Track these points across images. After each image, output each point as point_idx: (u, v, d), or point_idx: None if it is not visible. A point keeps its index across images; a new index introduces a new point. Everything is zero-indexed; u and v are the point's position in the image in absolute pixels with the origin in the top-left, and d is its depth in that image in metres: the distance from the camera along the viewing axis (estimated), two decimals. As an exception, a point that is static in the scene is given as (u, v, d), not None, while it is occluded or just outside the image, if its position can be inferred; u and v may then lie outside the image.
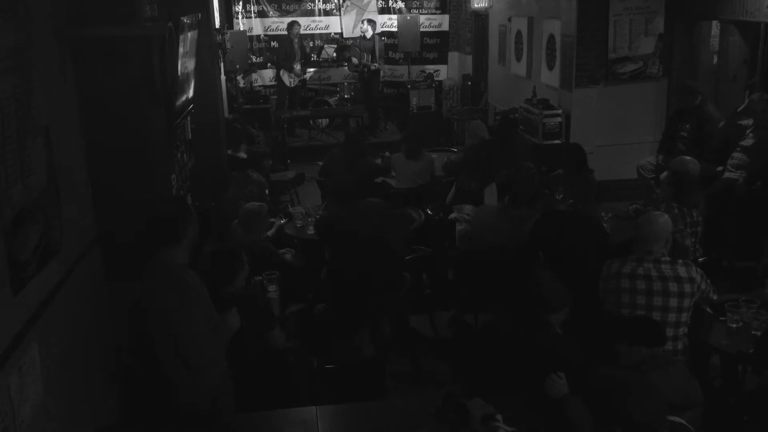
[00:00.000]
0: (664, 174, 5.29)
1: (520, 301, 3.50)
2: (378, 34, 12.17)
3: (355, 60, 11.74)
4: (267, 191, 6.66)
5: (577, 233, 4.56)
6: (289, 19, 12.10)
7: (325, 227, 5.14)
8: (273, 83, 12.40)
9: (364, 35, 11.73)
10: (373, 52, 11.69)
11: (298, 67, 11.71)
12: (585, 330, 3.76)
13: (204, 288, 3.22)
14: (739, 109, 6.55)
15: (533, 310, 3.40)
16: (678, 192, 4.96)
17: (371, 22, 11.93)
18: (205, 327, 3.16)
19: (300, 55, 11.78)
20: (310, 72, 12.37)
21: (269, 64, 12.50)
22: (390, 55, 12.84)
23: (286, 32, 11.86)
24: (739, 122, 6.40)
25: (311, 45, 12.69)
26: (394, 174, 7.11)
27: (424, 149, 7.25)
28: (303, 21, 12.28)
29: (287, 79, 11.65)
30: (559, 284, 3.50)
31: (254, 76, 12.17)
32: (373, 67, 11.68)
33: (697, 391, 3.17)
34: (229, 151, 7.62)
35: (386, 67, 12.62)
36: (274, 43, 12.49)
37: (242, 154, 7.64)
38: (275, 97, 11.92)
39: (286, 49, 11.68)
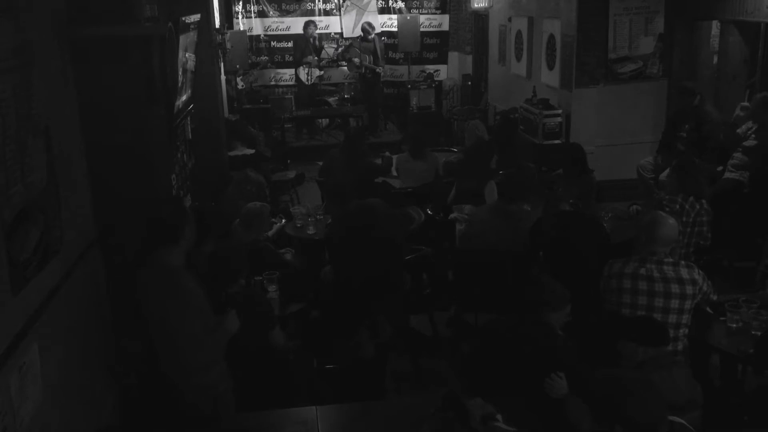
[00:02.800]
0: (665, 173, 5.28)
1: (519, 301, 3.50)
2: (378, 34, 12.16)
3: (356, 60, 11.72)
4: (267, 191, 6.66)
5: (577, 233, 4.56)
6: (303, 19, 12.18)
7: (337, 232, 5.08)
8: (272, 83, 12.43)
9: (364, 36, 11.72)
10: (374, 52, 11.67)
11: (313, 65, 11.73)
12: (586, 330, 3.76)
13: (201, 290, 3.21)
14: (742, 114, 6.55)
15: (533, 310, 3.41)
16: (684, 179, 4.93)
17: (370, 26, 11.90)
18: (203, 329, 3.16)
19: (315, 53, 11.84)
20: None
21: (269, 64, 12.50)
22: (390, 55, 12.81)
23: (302, 32, 11.92)
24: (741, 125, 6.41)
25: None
26: (396, 174, 7.10)
27: (428, 149, 7.25)
28: (303, 21, 12.27)
29: (304, 77, 11.65)
30: (558, 284, 3.51)
31: (254, 74, 12.16)
32: (378, 71, 11.67)
33: (698, 393, 3.17)
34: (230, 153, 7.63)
35: (387, 67, 12.61)
36: (274, 43, 12.50)
37: (237, 152, 7.64)
38: (291, 96, 11.93)
39: (302, 48, 11.70)
